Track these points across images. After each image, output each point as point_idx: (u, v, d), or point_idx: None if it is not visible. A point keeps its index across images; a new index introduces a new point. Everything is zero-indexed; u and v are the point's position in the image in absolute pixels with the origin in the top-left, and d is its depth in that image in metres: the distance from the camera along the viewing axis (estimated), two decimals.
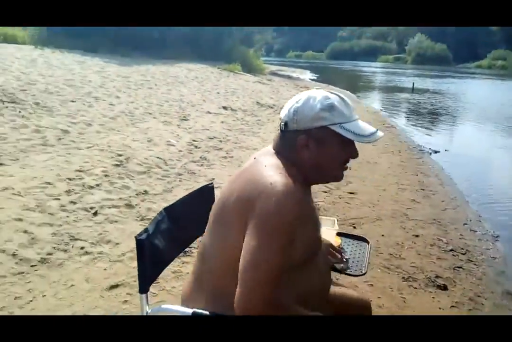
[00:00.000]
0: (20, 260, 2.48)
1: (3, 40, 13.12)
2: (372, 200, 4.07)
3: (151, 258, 1.41)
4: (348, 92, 14.90)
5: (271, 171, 1.08)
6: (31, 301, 2.16)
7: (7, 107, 5.66)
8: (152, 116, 6.37)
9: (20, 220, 2.91)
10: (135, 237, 1.35)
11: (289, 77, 19.86)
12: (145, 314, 1.36)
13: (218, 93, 9.54)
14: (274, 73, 20.63)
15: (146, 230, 1.39)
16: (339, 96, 1.13)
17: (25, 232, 2.77)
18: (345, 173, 1.20)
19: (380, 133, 1.14)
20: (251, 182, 1.08)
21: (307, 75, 25.15)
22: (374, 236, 3.21)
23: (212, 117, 7.00)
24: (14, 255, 2.51)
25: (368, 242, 1.79)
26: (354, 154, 1.16)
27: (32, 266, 2.44)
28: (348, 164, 1.21)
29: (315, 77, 23.54)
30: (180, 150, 4.93)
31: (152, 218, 3.10)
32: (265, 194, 1.03)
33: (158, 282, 2.36)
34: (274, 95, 11.17)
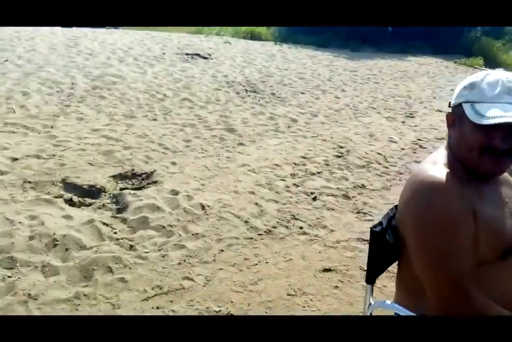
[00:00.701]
0: (251, 227, 2.87)
1: (250, 37, 15.13)
2: None
3: (381, 251, 1.40)
4: None
5: (426, 165, 1.08)
6: (256, 264, 2.48)
7: (249, 96, 6.56)
8: (375, 111, 6.31)
9: (253, 193, 3.35)
10: (371, 228, 1.37)
11: None
12: (367, 304, 1.37)
13: (452, 90, 8.68)
14: None
15: (380, 223, 1.39)
16: (501, 76, 1.01)
17: (256, 204, 3.18)
18: None
19: (506, 120, 0.94)
20: (408, 180, 1.13)
21: None
22: None
23: (442, 116, 6.41)
24: (246, 222, 2.92)
25: None
26: (492, 141, 0.99)
27: (259, 234, 2.80)
28: None
29: None
30: (403, 149, 4.74)
31: (368, 212, 3.11)
32: (413, 192, 1.06)
33: None
34: None
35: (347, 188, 3.54)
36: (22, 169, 3.42)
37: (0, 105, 4.94)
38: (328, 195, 3.38)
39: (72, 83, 6.05)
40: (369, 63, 10.88)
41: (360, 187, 3.58)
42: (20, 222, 2.67)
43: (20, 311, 2.02)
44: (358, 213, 3.12)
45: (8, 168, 3.42)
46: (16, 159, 3.61)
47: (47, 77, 6.19)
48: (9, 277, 2.22)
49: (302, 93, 7.00)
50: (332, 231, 2.87)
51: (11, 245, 2.44)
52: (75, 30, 11.20)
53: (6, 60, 6.96)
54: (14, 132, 4.25)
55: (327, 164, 4.01)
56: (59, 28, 11.27)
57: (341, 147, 4.53)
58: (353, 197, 3.39)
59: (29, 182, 3.24)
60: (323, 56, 11.25)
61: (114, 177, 3.47)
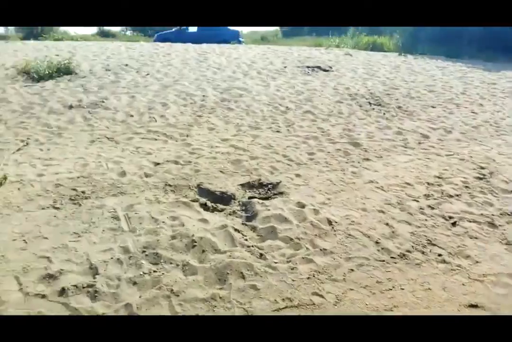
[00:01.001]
0: (382, 249, 2.72)
1: (371, 48, 14.74)
2: None
3: None
4: None
5: None
6: (390, 289, 2.32)
7: (373, 109, 6.34)
8: None
9: (382, 212, 3.18)
10: None
11: None
12: None
13: None
14: None
15: None
16: None
17: (387, 224, 3.01)
18: None
19: None
20: None
21: None
22: None
23: None
24: (377, 243, 2.78)
25: None
26: None
27: (392, 257, 2.63)
28: None
29: None
30: None
31: None
32: None
33: None
34: None
35: (493, 215, 3.15)
36: (164, 173, 3.76)
37: (144, 115, 5.55)
38: (470, 221, 3.05)
39: (203, 96, 6.54)
40: (511, 75, 9.73)
41: (509, 215, 3.16)
42: (163, 222, 2.93)
43: (164, 304, 2.18)
44: (507, 244, 2.75)
45: (152, 172, 3.79)
46: (158, 163, 3.99)
47: (182, 89, 6.79)
48: (155, 271, 2.43)
49: (433, 107, 6.54)
50: (477, 262, 2.57)
51: (157, 242, 2.67)
52: (204, 46, 12.16)
53: (148, 74, 7.84)
54: (156, 139, 4.73)
55: (466, 187, 3.63)
56: (190, 44, 12.36)
57: (483, 168, 4.08)
58: (500, 225, 3.01)
59: (170, 185, 3.54)
60: (455, 67, 10.41)
61: (242, 185, 3.61)
